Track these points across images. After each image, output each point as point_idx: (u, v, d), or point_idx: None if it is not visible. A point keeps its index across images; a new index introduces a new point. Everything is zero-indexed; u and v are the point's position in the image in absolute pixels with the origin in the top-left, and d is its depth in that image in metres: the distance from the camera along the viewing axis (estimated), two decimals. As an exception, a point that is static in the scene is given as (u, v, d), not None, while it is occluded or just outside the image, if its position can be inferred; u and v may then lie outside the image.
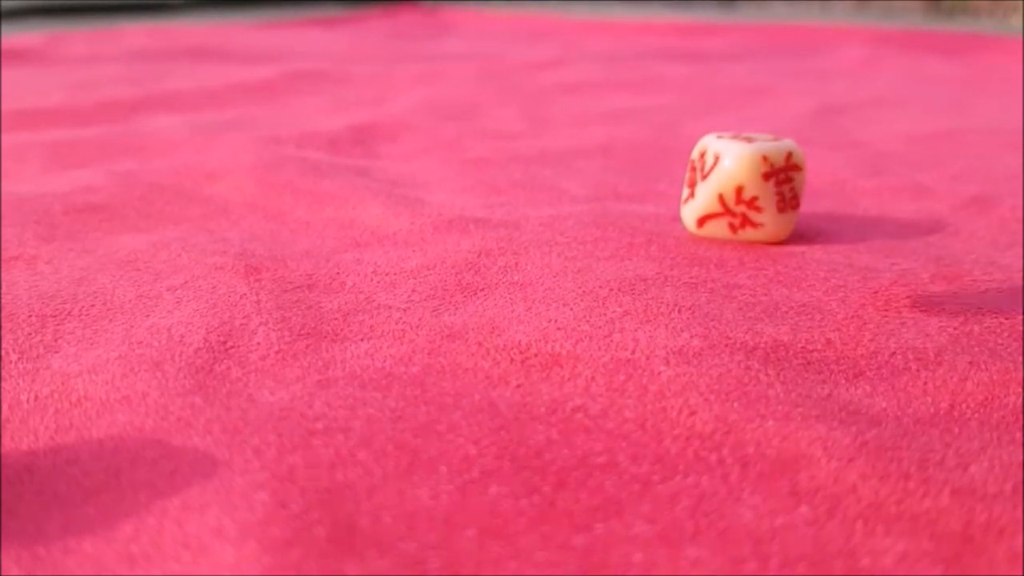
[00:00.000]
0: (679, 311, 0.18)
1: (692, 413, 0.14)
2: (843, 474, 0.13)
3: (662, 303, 0.18)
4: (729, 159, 0.22)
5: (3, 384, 0.16)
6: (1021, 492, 0.12)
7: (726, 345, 0.16)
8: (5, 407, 0.15)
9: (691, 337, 0.17)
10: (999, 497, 0.12)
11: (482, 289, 0.19)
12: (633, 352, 0.16)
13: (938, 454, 0.13)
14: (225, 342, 0.17)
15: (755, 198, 0.22)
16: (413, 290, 0.19)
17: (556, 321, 0.17)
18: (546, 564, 0.11)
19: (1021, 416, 0.14)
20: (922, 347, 0.16)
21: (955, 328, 0.17)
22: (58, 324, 0.18)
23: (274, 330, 0.17)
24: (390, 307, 0.18)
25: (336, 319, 0.18)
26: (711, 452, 0.13)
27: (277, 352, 0.16)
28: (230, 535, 0.11)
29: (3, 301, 0.19)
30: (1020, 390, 0.15)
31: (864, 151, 0.35)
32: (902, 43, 0.84)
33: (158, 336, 0.17)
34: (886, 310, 0.18)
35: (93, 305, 0.19)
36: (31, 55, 0.63)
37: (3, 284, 0.20)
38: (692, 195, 0.23)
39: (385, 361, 0.16)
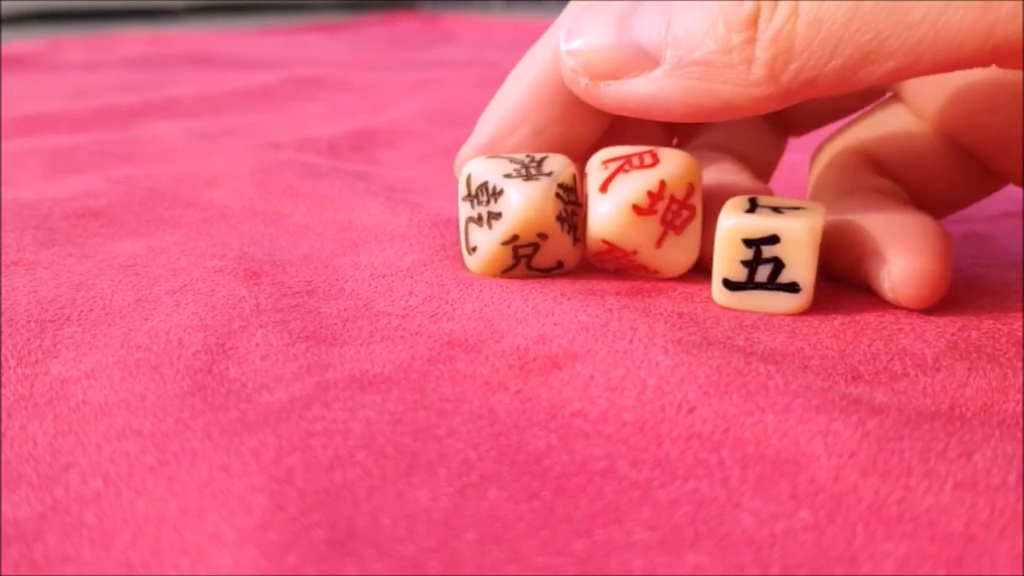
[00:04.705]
0: (678, 315, 0.18)
1: (691, 410, 0.14)
2: (844, 472, 0.13)
3: (659, 308, 0.18)
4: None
5: (2, 390, 0.16)
6: (1023, 484, 0.12)
7: (723, 343, 0.16)
8: (4, 412, 0.15)
9: (689, 333, 0.17)
10: (1002, 489, 0.12)
11: (480, 287, 0.19)
12: (631, 341, 0.16)
13: (941, 443, 0.13)
14: (223, 344, 0.17)
15: None
16: (411, 292, 0.19)
17: (554, 319, 0.17)
18: (546, 569, 0.11)
19: (1021, 421, 0.14)
20: (920, 352, 0.16)
21: (953, 333, 0.17)
22: (57, 329, 0.18)
23: (273, 332, 0.17)
24: (389, 313, 0.18)
25: (335, 324, 0.18)
26: (711, 454, 0.13)
27: (276, 354, 0.16)
28: (228, 540, 0.11)
29: (2, 307, 0.19)
30: (1020, 396, 0.15)
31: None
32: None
33: (156, 339, 0.17)
34: (883, 315, 0.18)
35: (92, 310, 0.19)
36: (30, 61, 0.63)
37: (2, 289, 0.20)
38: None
39: (384, 366, 0.16)
